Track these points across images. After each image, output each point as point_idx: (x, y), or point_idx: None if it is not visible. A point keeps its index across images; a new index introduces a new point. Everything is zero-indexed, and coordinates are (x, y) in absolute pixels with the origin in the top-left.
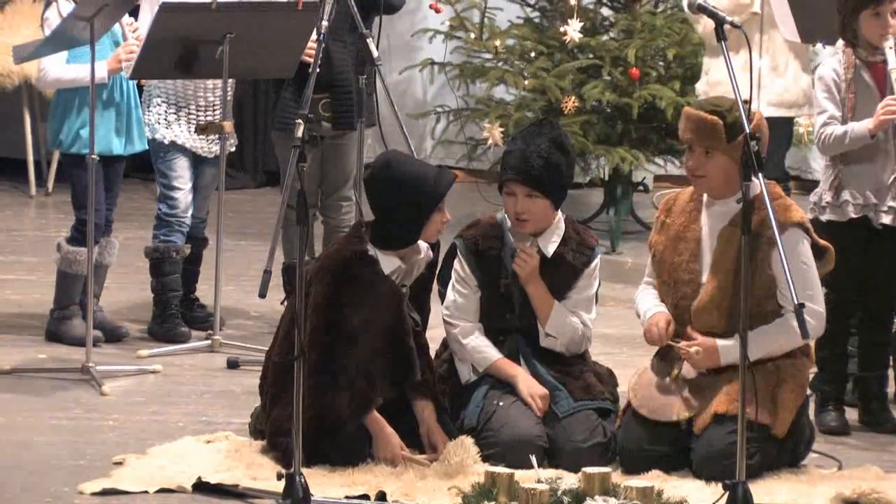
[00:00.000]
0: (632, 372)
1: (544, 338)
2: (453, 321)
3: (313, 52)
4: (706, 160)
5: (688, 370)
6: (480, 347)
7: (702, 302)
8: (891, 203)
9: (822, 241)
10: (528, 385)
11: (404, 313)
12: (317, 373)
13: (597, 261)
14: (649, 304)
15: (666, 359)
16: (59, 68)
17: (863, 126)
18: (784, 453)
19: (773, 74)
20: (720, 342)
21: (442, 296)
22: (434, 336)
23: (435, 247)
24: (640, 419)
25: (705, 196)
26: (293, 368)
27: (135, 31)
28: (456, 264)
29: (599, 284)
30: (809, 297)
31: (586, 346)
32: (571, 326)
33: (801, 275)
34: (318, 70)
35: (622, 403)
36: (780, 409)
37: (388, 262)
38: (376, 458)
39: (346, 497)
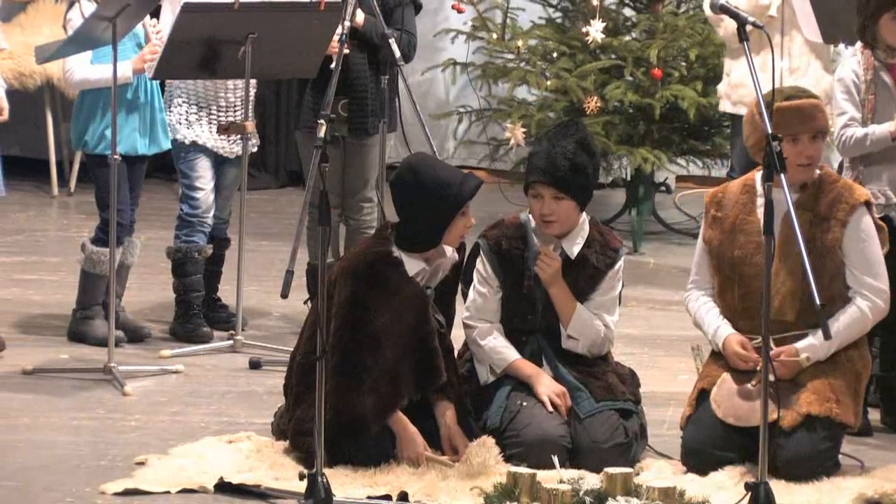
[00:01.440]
0: (655, 373)
1: (566, 339)
2: (472, 322)
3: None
4: (814, 145)
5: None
6: (498, 348)
7: (779, 298)
8: None
9: (879, 220)
10: (547, 385)
11: (429, 315)
12: (340, 374)
13: (620, 262)
14: (714, 320)
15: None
16: (85, 69)
17: (885, 128)
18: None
19: (794, 76)
20: (800, 347)
21: (465, 295)
22: (457, 336)
23: (460, 249)
24: (708, 422)
25: (758, 186)
26: (316, 369)
27: (157, 31)
28: (478, 264)
29: (623, 286)
30: (876, 274)
31: (608, 348)
32: (594, 328)
33: (867, 252)
34: (339, 70)
35: (644, 404)
36: (858, 406)
37: (413, 265)
38: (399, 457)
39: (369, 497)
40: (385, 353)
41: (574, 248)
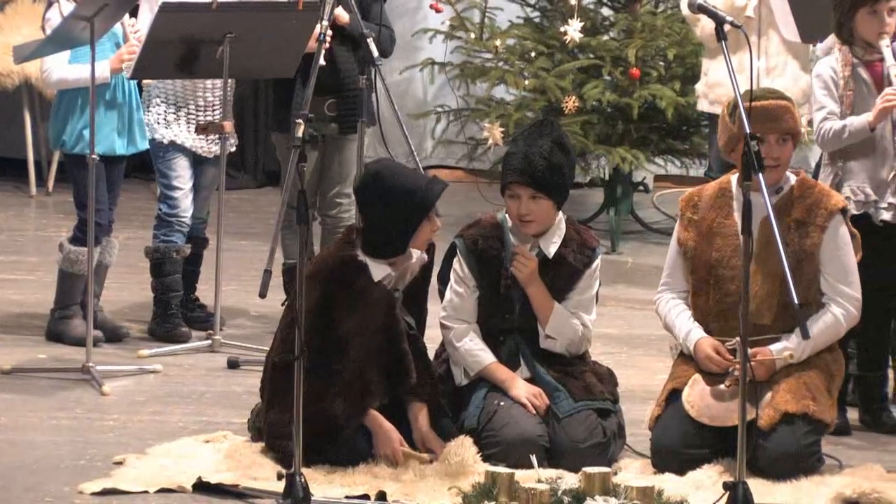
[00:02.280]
0: (632, 373)
1: (544, 339)
2: (449, 322)
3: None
4: (782, 147)
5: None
6: (474, 351)
7: (755, 296)
8: (891, 199)
9: (853, 228)
10: (523, 388)
11: (397, 318)
12: (309, 378)
13: (598, 261)
14: (685, 323)
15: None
16: (63, 68)
17: (862, 119)
18: None
19: (771, 76)
20: (774, 350)
21: (442, 294)
22: (433, 336)
23: (430, 249)
24: (678, 421)
25: (734, 189)
26: (287, 371)
27: (136, 31)
28: (455, 264)
29: (600, 285)
30: (850, 282)
31: (586, 347)
32: (572, 328)
33: (841, 259)
34: (318, 71)
35: (622, 403)
36: (834, 404)
37: (379, 270)
38: (376, 454)
39: (347, 497)
40: (353, 356)
41: (551, 248)
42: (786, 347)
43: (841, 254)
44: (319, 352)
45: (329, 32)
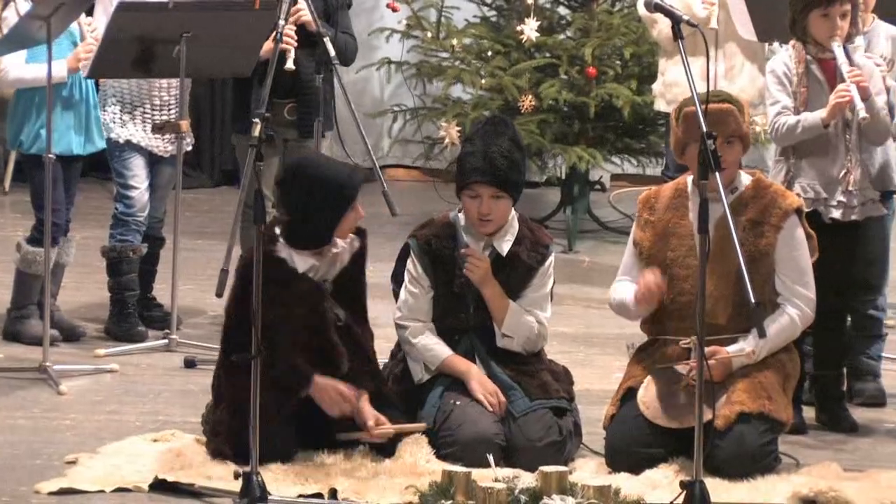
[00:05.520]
0: (588, 371)
1: (501, 338)
2: (404, 322)
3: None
4: (728, 149)
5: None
6: (430, 345)
7: (710, 296)
8: (840, 198)
9: (809, 229)
10: (481, 382)
11: (323, 309)
12: (236, 373)
13: (551, 258)
14: (629, 286)
15: (669, 369)
16: (20, 68)
17: (816, 115)
18: None
19: (728, 77)
20: (731, 351)
21: (396, 294)
22: (389, 335)
23: (362, 234)
24: (633, 421)
25: (689, 190)
26: (231, 369)
27: (93, 30)
28: (409, 264)
29: (555, 282)
30: (805, 283)
31: (542, 344)
32: (527, 326)
33: (796, 259)
34: (278, 74)
35: (578, 402)
36: (789, 403)
37: (303, 261)
38: (330, 413)
39: (300, 496)
40: (281, 349)
41: (504, 246)
42: (742, 348)
43: (796, 254)
44: (242, 346)
45: (294, 36)
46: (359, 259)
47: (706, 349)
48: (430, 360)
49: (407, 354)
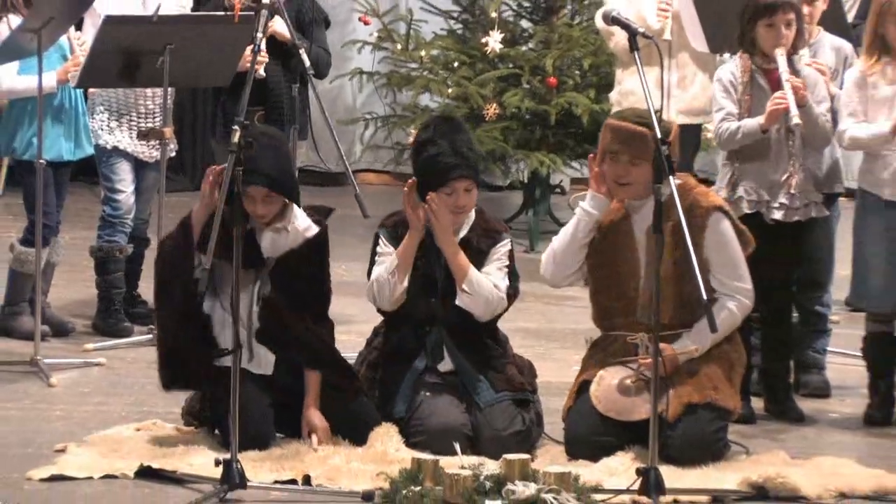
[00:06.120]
0: (550, 365)
1: (461, 295)
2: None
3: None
4: (633, 169)
5: (647, 370)
6: (380, 267)
7: (646, 296)
8: (782, 200)
9: (740, 224)
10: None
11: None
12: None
13: (505, 242)
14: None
15: (620, 364)
16: (13, 79)
17: (755, 121)
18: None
19: (681, 86)
20: (677, 347)
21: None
22: (364, 330)
23: (321, 224)
24: (588, 412)
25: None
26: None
27: (81, 43)
28: (378, 248)
29: (519, 278)
30: (739, 276)
31: (502, 308)
32: (487, 287)
33: (728, 255)
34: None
35: (540, 394)
36: (736, 392)
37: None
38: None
39: (275, 482)
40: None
41: (459, 234)
42: (686, 344)
43: (727, 249)
44: (163, 325)
45: (263, 47)
46: (314, 247)
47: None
48: (388, 268)
49: (378, 296)
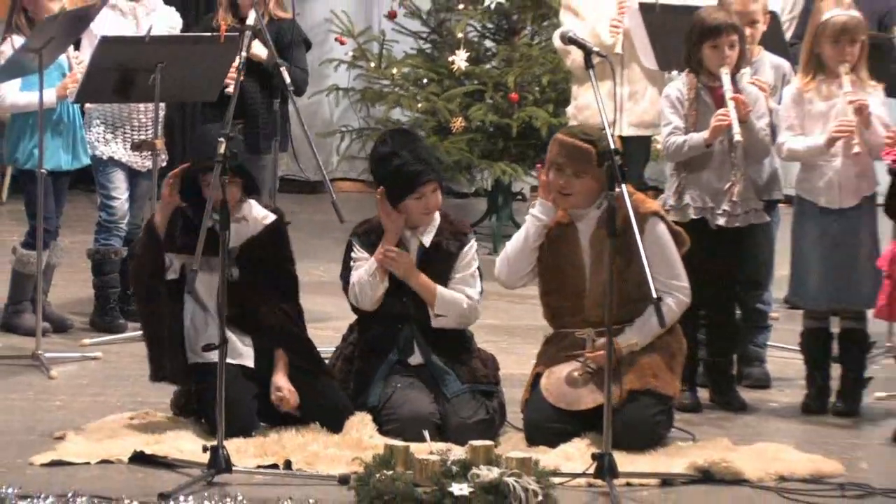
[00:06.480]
0: (513, 358)
1: (435, 318)
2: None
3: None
4: (575, 181)
5: (593, 362)
6: (360, 270)
7: (592, 296)
8: (725, 207)
9: (675, 226)
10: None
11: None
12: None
13: (471, 244)
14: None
15: (563, 358)
16: (16, 94)
17: (700, 136)
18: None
19: (633, 100)
20: (620, 340)
21: (346, 290)
22: (340, 326)
23: (278, 212)
24: (542, 404)
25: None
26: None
27: (79, 61)
28: (353, 254)
29: (482, 275)
30: (676, 275)
31: (475, 318)
32: (458, 304)
33: (665, 256)
34: (227, 99)
35: (504, 386)
36: (676, 379)
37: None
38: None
39: (259, 466)
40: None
41: (427, 238)
42: (629, 339)
43: (664, 251)
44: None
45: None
46: (273, 232)
47: (599, 341)
48: (369, 271)
49: (359, 297)
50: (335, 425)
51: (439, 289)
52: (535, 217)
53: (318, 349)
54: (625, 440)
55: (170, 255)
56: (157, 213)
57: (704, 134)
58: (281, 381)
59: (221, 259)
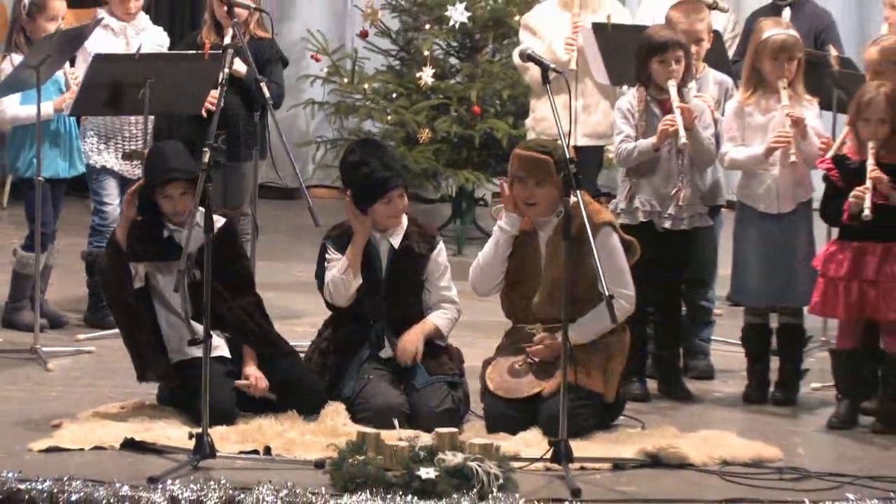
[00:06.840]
0: (477, 352)
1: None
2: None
3: (215, 100)
4: (538, 190)
5: (534, 355)
6: (333, 269)
7: (541, 296)
8: (671, 211)
9: (627, 237)
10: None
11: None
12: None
13: (440, 246)
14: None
15: (512, 350)
16: (16, 108)
17: (648, 142)
18: (609, 415)
19: (586, 112)
20: (559, 336)
21: (321, 289)
22: (315, 322)
23: (227, 217)
24: (495, 394)
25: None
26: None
27: (75, 77)
28: (328, 256)
29: (449, 268)
30: (624, 283)
31: (459, 317)
32: (446, 320)
33: (613, 264)
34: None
35: (468, 378)
36: (611, 379)
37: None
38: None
39: (241, 452)
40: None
41: (396, 240)
42: (571, 336)
43: (613, 260)
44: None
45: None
46: (225, 234)
47: (538, 336)
48: (340, 267)
49: (333, 295)
50: (305, 401)
51: (428, 322)
52: (502, 229)
53: (295, 344)
54: (547, 427)
55: (134, 264)
56: (117, 228)
57: (653, 139)
58: (249, 369)
59: (206, 260)
